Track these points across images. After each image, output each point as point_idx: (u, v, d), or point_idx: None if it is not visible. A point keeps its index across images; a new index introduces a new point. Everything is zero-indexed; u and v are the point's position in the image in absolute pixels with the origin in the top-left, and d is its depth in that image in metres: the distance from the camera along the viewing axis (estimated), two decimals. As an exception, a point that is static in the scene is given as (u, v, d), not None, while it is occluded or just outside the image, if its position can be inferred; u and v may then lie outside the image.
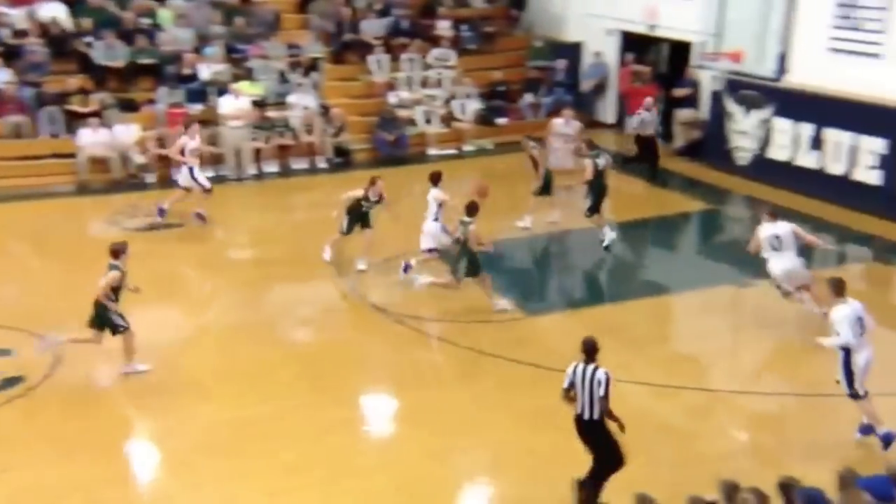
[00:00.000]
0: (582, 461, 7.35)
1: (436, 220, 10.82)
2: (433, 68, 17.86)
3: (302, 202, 15.20)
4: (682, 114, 16.23)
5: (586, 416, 6.60)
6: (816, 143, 13.84)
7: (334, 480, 7.27)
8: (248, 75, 16.63)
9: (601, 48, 18.09)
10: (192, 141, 13.10)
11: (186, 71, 16.31)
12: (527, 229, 12.61)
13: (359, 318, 10.41)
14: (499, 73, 18.02)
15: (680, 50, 16.64)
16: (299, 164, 16.13)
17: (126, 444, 7.99)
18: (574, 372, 6.62)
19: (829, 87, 13.47)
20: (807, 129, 13.98)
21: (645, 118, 14.95)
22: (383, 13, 18.59)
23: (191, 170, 13.06)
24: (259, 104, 16.19)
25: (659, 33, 17.00)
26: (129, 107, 15.86)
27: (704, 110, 15.94)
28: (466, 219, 10.07)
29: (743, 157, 15.16)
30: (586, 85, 18.35)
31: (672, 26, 16.37)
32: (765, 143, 14.68)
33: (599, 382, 6.48)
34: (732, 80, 15.07)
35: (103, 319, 8.53)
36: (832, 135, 13.61)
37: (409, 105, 17.25)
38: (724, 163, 15.19)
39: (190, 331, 9.95)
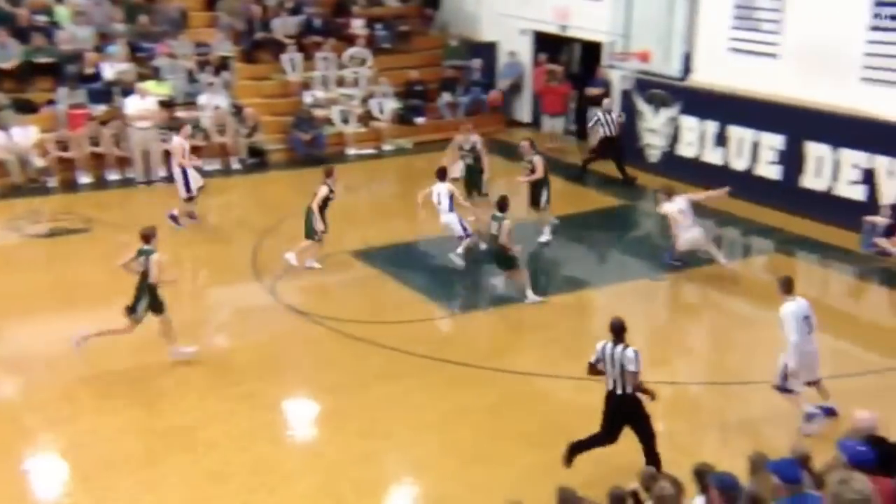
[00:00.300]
0: (506, 459, 7.42)
1: (451, 210, 11.40)
2: (348, 67, 17.72)
3: (215, 205, 14.80)
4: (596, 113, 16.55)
5: (618, 391, 6.95)
6: (721, 140, 14.35)
7: (257, 487, 7.10)
8: (154, 75, 16.13)
9: (515, 48, 18.31)
10: (188, 143, 12.92)
11: (88, 70, 15.71)
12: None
13: (278, 321, 10.20)
14: (415, 73, 18.01)
15: (591, 50, 16.99)
16: (212, 165, 15.73)
17: (27, 459, 7.57)
18: (603, 350, 6.98)
19: (731, 85, 13.99)
20: (712, 127, 14.47)
21: (603, 119, 14.83)
22: (295, 11, 18.32)
23: (184, 172, 12.77)
24: (167, 104, 15.72)
25: (570, 33, 17.32)
26: (27, 108, 15.14)
27: (617, 109, 16.30)
28: (499, 214, 10.35)
29: (653, 154, 15.58)
30: (502, 84, 18.54)
31: (582, 27, 16.69)
32: (673, 140, 15.13)
33: (630, 360, 6.84)
34: (641, 80, 15.46)
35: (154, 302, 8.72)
36: (735, 132, 14.13)
37: (324, 104, 17.06)
38: (636, 160, 15.57)
39: (101, 339, 9.52)
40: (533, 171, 12.44)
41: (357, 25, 18.52)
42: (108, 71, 15.82)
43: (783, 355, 7.72)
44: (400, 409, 8.34)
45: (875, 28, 12.15)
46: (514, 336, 9.97)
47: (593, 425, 8.07)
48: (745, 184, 13.80)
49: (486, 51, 18.76)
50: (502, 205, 10.40)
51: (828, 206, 12.64)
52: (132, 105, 15.03)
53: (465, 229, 11.48)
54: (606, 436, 7.13)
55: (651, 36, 15.50)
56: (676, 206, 11.06)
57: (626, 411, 7.03)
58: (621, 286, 11.14)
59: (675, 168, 14.95)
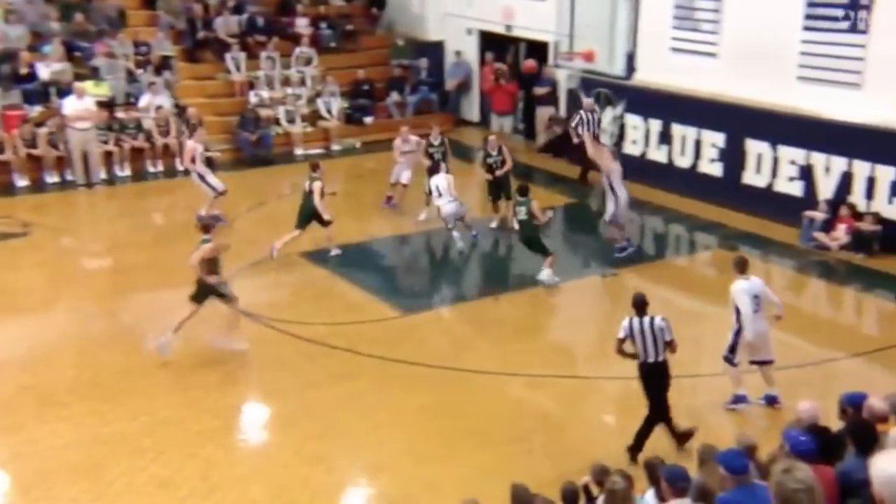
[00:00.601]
0: (461, 458, 7.43)
1: (453, 200, 11.87)
2: (294, 67, 17.54)
3: (159, 207, 14.52)
4: (543, 112, 16.71)
5: (651, 360, 7.32)
6: (665, 138, 14.61)
7: (209, 493, 6.97)
8: (92, 75, 15.74)
9: (462, 47, 18.36)
10: (200, 146, 12.62)
11: (22, 70, 15.25)
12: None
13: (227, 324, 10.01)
14: (362, 72, 17.92)
15: (537, 49, 17.13)
16: (155, 167, 15.42)
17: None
18: (630, 326, 7.29)
19: (673, 84, 14.26)
20: (656, 125, 14.73)
21: (585, 118, 14.61)
22: (237, 10, 18.08)
23: (200, 176, 12.56)
24: (107, 105, 15.35)
25: (516, 33, 17.43)
26: (-42, 109, 14.65)
27: (563, 108, 16.48)
28: (521, 199, 10.91)
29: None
30: (450, 84, 18.57)
31: (528, 26, 16.82)
32: (619, 138, 15.34)
33: (662, 329, 7.26)
34: (587, 79, 15.64)
35: (206, 292, 8.89)
36: (678, 130, 14.41)
37: (270, 104, 16.86)
38: (584, 158, 15.72)
39: (41, 345, 9.26)
40: (504, 162, 12.86)
41: (301, 24, 18.37)
42: (44, 71, 15.39)
43: (731, 332, 8.02)
44: (353, 411, 8.28)
45: (809, 28, 12.52)
46: (466, 334, 9.99)
47: (547, 421, 8.18)
48: (689, 181, 14.10)
49: (433, 50, 18.78)
50: (524, 190, 11.06)
51: (768, 202, 12.97)
52: (70, 106, 14.63)
53: (460, 216, 11.99)
54: (657, 411, 7.39)
55: (595, 36, 15.67)
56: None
57: (658, 376, 7.37)
58: (572, 283, 11.25)
59: (622, 166, 15.13)
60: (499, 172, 12.82)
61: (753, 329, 7.87)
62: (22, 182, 14.46)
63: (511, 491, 5.61)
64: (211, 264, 8.90)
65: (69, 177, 14.64)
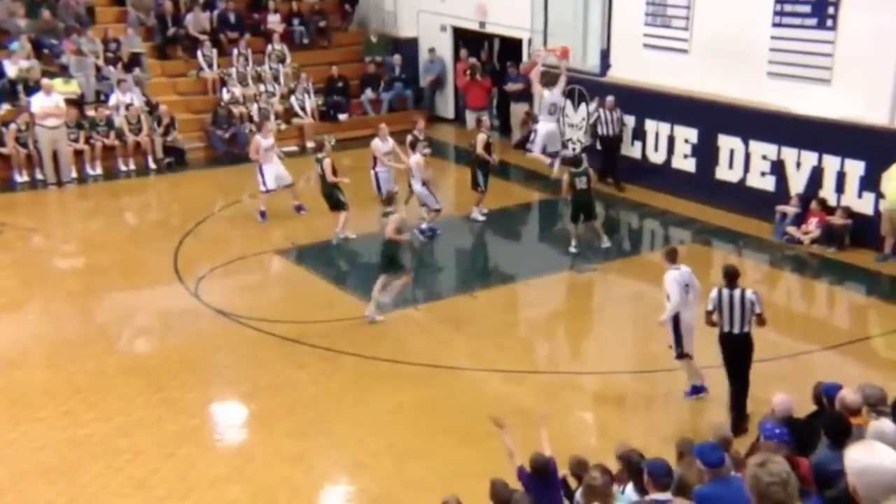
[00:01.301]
0: (440, 454, 7.43)
1: (423, 185, 11.97)
2: (267, 64, 17.42)
3: (131, 206, 14.36)
4: (518, 108, 16.75)
5: (736, 330, 7.50)
6: (639, 134, 14.71)
7: (187, 493, 6.91)
8: (61, 72, 15.50)
9: (435, 44, 18.34)
10: (265, 140, 12.54)
11: (-10, 67, 15.02)
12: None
13: (203, 324, 9.94)
14: (335, 69, 17.83)
15: (511, 46, 17.16)
16: (127, 166, 15.23)
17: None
18: (719, 297, 7.47)
19: (646, 81, 14.36)
20: (629, 121, 14.82)
21: (604, 117, 14.46)
22: (208, 6, 17.90)
23: (260, 168, 12.48)
24: (76, 103, 15.14)
25: (490, 30, 17.45)
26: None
27: (537, 104, 16.51)
28: (574, 169, 11.51)
29: (574, 148, 15.83)
30: (424, 80, 18.55)
31: (501, 23, 16.85)
32: (593, 135, 15.40)
33: (752, 302, 7.44)
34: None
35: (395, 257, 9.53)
36: (652, 126, 14.50)
37: (243, 101, 16.72)
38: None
39: (12, 347, 9.11)
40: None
41: (274, 21, 18.24)
42: (11, 68, 15.15)
43: (669, 328, 8.19)
44: (332, 409, 8.26)
45: (778, 24, 12.66)
46: (444, 331, 9.98)
47: (526, 416, 8.18)
48: (663, 176, 14.20)
49: (407, 47, 18.74)
50: (576, 161, 11.80)
51: (741, 197, 13.11)
52: (38, 103, 14.40)
53: (437, 202, 12.10)
54: (738, 382, 7.57)
55: (569, 32, 15.76)
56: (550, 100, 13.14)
57: (743, 347, 7.55)
58: (547, 278, 11.30)
59: (596, 162, 15.24)
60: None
61: (681, 320, 8.09)
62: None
63: (490, 487, 5.62)
64: (399, 231, 9.71)
65: (39, 176, 14.42)
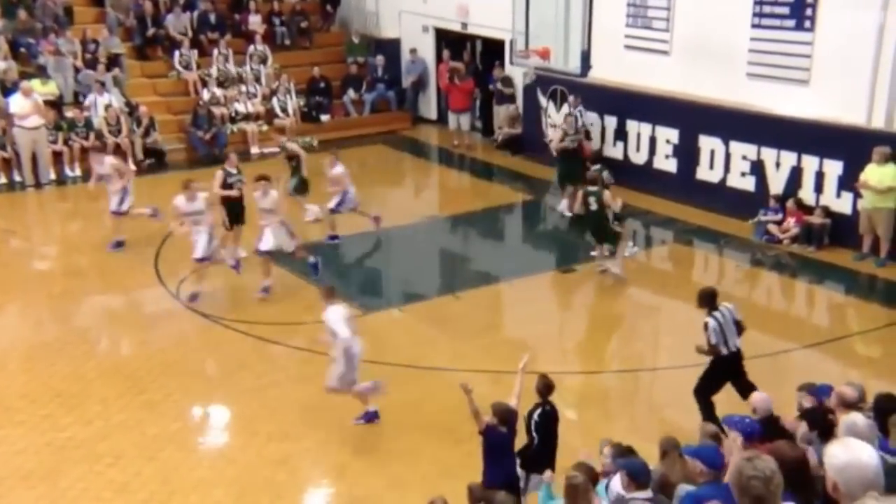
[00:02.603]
0: (425, 455, 7.42)
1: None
2: (248, 64, 17.33)
3: (96, 209, 14.26)
4: (502, 109, 16.77)
5: (733, 348, 7.38)
6: (620, 135, 14.78)
7: (168, 497, 6.86)
8: (39, 72, 15.35)
9: (417, 45, 18.33)
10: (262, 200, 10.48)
11: (-35, 69, 14.85)
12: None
13: (184, 325, 9.88)
14: (317, 70, 17.77)
15: (493, 47, 17.18)
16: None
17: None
18: (718, 325, 7.26)
19: (627, 81, 14.43)
20: (611, 122, 14.89)
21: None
22: (188, 7, 17.79)
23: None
24: (55, 104, 14.99)
25: (472, 31, 17.47)
26: None
27: (520, 106, 16.56)
28: (592, 188, 10.77)
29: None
30: (406, 81, 18.52)
31: (483, 24, 16.87)
32: (575, 134, 15.44)
33: (736, 310, 7.40)
34: (543, 76, 15.74)
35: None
36: (633, 127, 14.58)
37: (223, 102, 16.63)
38: (541, 155, 15.86)
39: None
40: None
41: (255, 21, 18.17)
42: (-13, 69, 15.00)
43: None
44: (315, 411, 8.22)
45: (757, 26, 12.76)
46: (427, 332, 9.98)
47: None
48: (645, 177, 14.27)
49: (390, 48, 18.72)
50: (594, 180, 11.04)
51: (722, 197, 13.20)
52: (16, 104, 14.24)
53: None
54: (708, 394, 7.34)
55: (551, 34, 15.79)
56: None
57: (739, 360, 7.40)
58: (531, 279, 11.32)
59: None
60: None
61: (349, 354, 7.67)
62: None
63: (467, 490, 5.60)
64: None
65: (17, 178, 14.27)
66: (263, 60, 17.58)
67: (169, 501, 6.82)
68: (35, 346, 9.18)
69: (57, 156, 14.68)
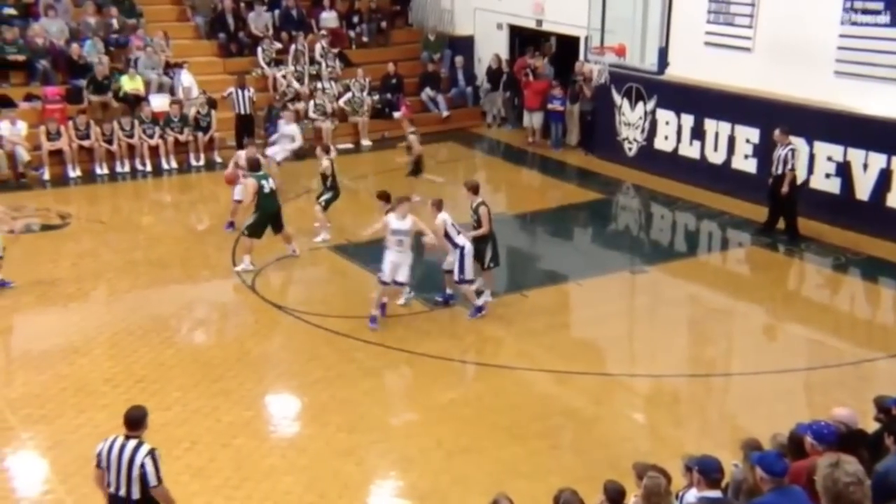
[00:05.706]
0: (489, 452, 7.44)
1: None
2: (325, 61, 17.62)
3: (198, 199, 14.83)
4: (576, 107, 16.62)
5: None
6: (697, 134, 14.46)
7: (241, 483, 7.06)
8: (126, 68, 15.96)
9: (491, 42, 18.31)
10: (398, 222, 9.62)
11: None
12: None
13: (258, 317, 10.14)
14: (392, 66, 17.94)
15: (568, 44, 17.03)
16: (197, 160, 15.61)
17: (6, 458, 7.47)
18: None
19: (706, 79, 14.10)
20: (688, 121, 14.58)
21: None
22: (270, 4, 18.20)
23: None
24: (139, 98, 15.61)
25: (546, 28, 17.34)
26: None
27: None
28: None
29: (630, 147, 15.68)
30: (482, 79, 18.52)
31: (558, 21, 16.73)
32: (650, 134, 15.22)
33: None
34: (618, 74, 15.53)
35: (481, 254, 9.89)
36: (711, 125, 14.24)
37: (301, 99, 16.94)
38: (614, 154, 15.67)
39: (78, 336, 9.43)
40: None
41: (332, 19, 18.45)
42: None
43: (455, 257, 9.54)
44: (383, 404, 8.35)
45: (847, 22, 12.30)
46: (494, 329, 9.98)
47: (575, 417, 8.17)
48: (722, 177, 13.94)
49: (464, 45, 18.76)
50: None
51: (803, 199, 12.74)
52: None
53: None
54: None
55: (628, 31, 15.56)
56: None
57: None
58: (601, 279, 11.20)
59: (653, 162, 15.06)
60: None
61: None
62: (74, 173, 14.82)
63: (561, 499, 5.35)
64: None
65: (119, 169, 15.04)
66: (339, 57, 17.82)
67: (241, 487, 7.02)
68: (119, 333, 9.56)
69: (154, 149, 15.27)
